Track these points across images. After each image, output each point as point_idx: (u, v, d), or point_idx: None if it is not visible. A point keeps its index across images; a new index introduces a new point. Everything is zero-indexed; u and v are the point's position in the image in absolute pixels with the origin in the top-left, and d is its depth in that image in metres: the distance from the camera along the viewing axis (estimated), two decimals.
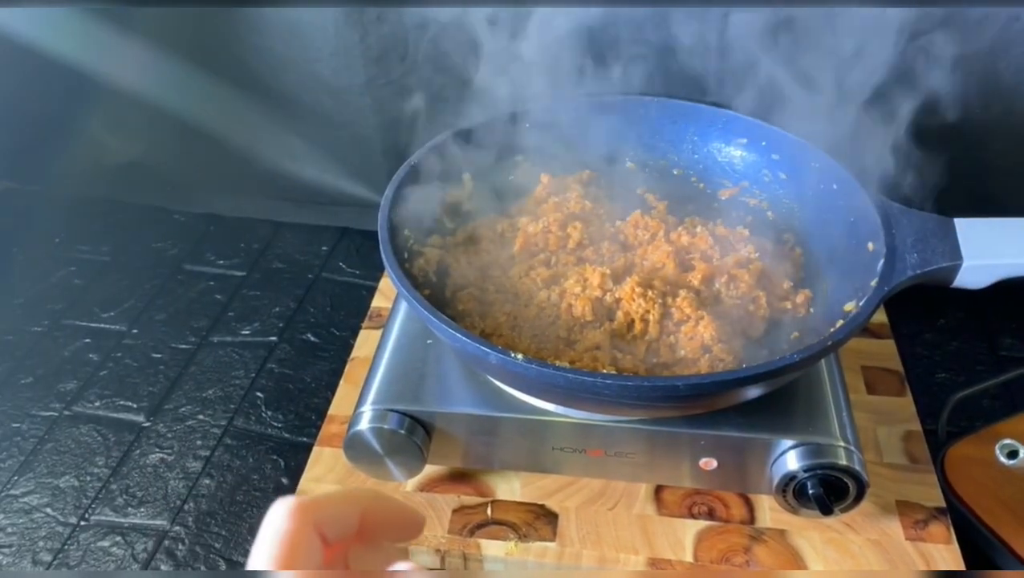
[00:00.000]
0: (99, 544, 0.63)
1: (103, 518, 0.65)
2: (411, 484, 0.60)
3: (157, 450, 0.70)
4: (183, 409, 0.74)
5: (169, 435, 0.72)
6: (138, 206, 1.01)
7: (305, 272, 0.90)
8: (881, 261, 0.51)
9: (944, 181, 0.72)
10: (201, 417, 0.73)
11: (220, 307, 0.86)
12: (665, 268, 0.57)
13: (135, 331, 0.83)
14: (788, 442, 0.52)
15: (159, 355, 0.80)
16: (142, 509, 0.65)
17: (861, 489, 0.52)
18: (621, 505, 0.58)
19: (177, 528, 0.64)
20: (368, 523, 0.31)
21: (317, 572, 0.28)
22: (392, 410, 0.54)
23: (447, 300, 0.58)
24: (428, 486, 0.60)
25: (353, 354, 0.72)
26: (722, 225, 0.62)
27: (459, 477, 0.60)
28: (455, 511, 0.58)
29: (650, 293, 0.54)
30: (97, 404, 0.75)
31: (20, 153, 0.96)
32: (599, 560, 0.56)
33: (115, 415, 0.74)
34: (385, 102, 0.79)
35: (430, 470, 0.60)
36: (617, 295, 0.54)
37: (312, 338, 0.81)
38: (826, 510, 0.51)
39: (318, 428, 0.66)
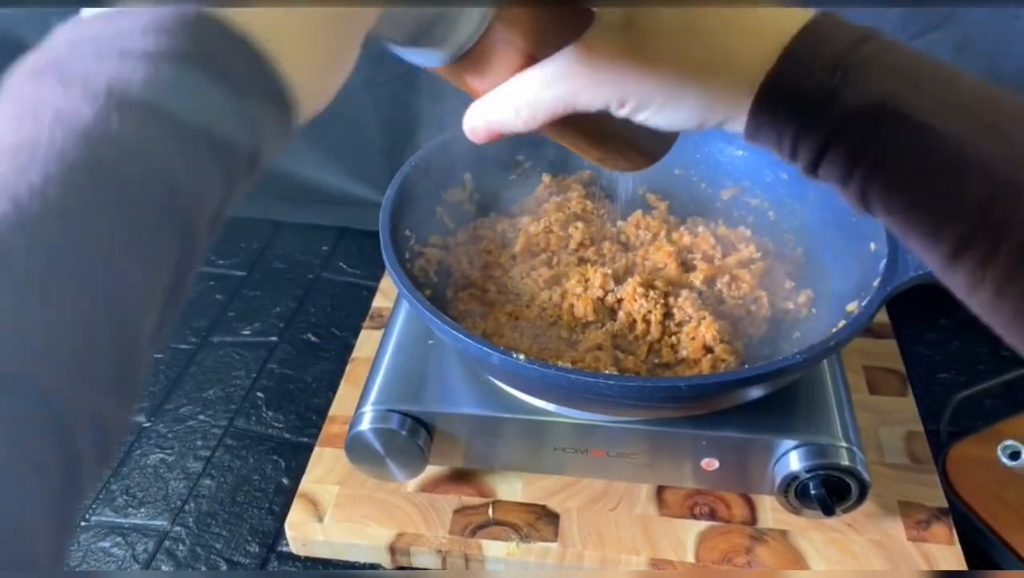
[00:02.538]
0: (99, 545, 0.63)
1: (104, 519, 0.65)
2: (412, 484, 0.60)
3: (158, 450, 0.70)
4: (183, 409, 0.74)
5: (170, 435, 0.72)
6: None
7: (305, 272, 0.90)
8: (883, 261, 0.51)
9: None
10: (202, 417, 0.73)
11: (220, 307, 0.86)
12: (667, 268, 0.57)
13: None
14: (790, 442, 0.52)
15: (159, 355, 0.80)
16: (142, 510, 0.65)
17: (863, 489, 0.51)
18: (623, 506, 0.58)
19: (178, 529, 0.64)
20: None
21: None
22: (393, 411, 0.54)
23: (448, 300, 0.58)
24: (429, 486, 0.60)
25: (354, 354, 0.72)
26: (724, 225, 0.62)
27: (460, 477, 0.60)
28: (456, 512, 0.58)
29: (652, 293, 0.54)
30: None
31: None
32: (601, 561, 0.56)
33: None
34: (385, 101, 0.78)
35: (431, 470, 0.60)
36: (619, 295, 0.54)
37: (313, 338, 0.81)
38: (828, 511, 0.51)
39: (319, 428, 0.65)
